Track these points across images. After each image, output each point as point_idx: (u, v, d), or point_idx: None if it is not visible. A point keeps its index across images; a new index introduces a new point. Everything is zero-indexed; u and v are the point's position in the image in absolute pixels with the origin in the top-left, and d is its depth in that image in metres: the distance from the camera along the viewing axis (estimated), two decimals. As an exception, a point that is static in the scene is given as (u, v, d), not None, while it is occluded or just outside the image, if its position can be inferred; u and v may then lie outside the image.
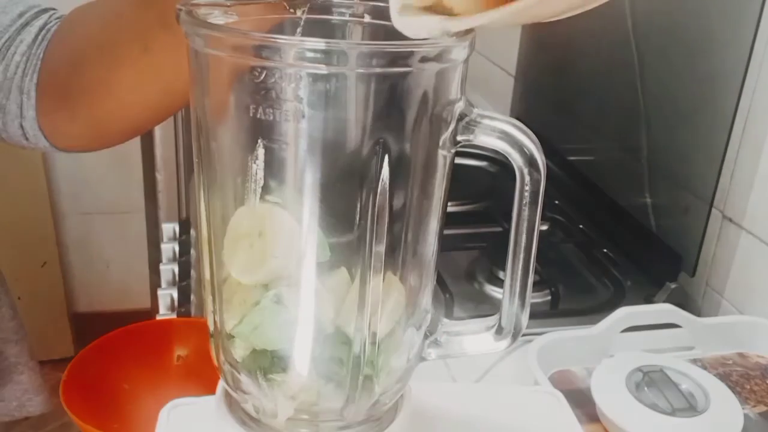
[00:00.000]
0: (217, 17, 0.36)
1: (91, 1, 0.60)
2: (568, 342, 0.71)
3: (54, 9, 0.63)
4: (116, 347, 0.77)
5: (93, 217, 2.15)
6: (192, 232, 1.19)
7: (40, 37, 0.60)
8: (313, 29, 0.39)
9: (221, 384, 0.40)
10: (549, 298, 0.84)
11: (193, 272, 1.10)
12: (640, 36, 0.94)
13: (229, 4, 0.37)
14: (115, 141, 0.62)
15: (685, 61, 0.87)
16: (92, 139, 0.62)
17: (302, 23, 0.38)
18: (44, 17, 0.61)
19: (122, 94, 0.57)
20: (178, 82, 0.55)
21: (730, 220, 0.82)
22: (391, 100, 0.33)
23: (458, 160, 0.36)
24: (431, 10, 0.33)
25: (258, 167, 0.33)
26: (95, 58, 0.57)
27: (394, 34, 0.33)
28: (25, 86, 0.59)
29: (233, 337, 0.36)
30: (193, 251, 1.14)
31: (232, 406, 0.39)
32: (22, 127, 0.60)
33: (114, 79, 0.56)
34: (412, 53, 0.31)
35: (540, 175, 0.34)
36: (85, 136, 0.61)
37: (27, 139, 0.61)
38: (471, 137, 0.35)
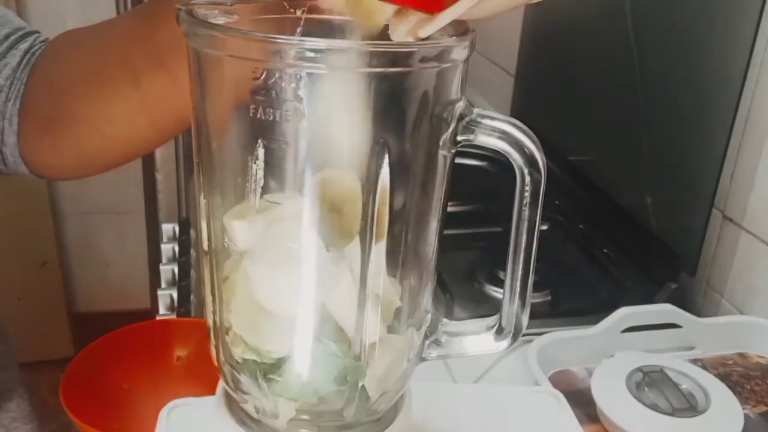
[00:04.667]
0: (217, 17, 0.36)
1: (80, 28, 0.57)
2: (568, 342, 0.71)
3: (38, 32, 0.60)
4: (116, 347, 0.77)
5: (93, 217, 2.14)
6: (192, 232, 1.19)
7: (24, 61, 0.57)
8: (313, 29, 0.39)
9: (221, 384, 0.39)
10: (549, 298, 0.84)
11: (192, 272, 1.09)
12: (640, 36, 0.94)
13: (229, 3, 0.37)
14: (97, 172, 0.60)
15: (685, 61, 0.86)
16: (74, 170, 0.60)
17: (302, 23, 0.38)
18: (29, 40, 0.58)
19: (108, 129, 0.55)
20: (167, 119, 0.53)
21: (730, 220, 0.82)
22: (391, 100, 0.33)
23: (458, 160, 0.36)
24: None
25: (258, 167, 0.33)
26: (81, 89, 0.54)
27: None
28: (7, 111, 0.56)
29: (232, 336, 0.36)
30: (192, 251, 1.14)
31: (232, 406, 0.39)
32: (1, 152, 0.58)
33: (100, 113, 0.54)
34: (412, 53, 0.31)
35: (540, 175, 0.34)
36: (67, 166, 0.59)
37: (6, 165, 0.59)
38: (471, 137, 0.35)
